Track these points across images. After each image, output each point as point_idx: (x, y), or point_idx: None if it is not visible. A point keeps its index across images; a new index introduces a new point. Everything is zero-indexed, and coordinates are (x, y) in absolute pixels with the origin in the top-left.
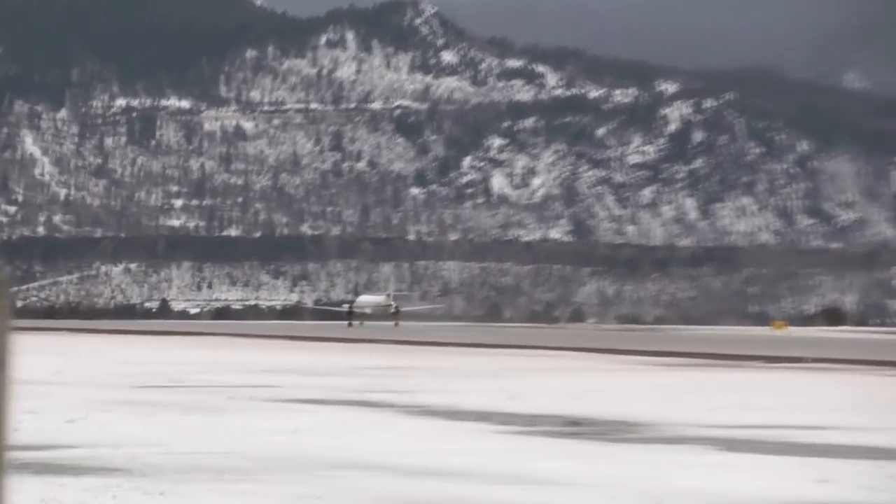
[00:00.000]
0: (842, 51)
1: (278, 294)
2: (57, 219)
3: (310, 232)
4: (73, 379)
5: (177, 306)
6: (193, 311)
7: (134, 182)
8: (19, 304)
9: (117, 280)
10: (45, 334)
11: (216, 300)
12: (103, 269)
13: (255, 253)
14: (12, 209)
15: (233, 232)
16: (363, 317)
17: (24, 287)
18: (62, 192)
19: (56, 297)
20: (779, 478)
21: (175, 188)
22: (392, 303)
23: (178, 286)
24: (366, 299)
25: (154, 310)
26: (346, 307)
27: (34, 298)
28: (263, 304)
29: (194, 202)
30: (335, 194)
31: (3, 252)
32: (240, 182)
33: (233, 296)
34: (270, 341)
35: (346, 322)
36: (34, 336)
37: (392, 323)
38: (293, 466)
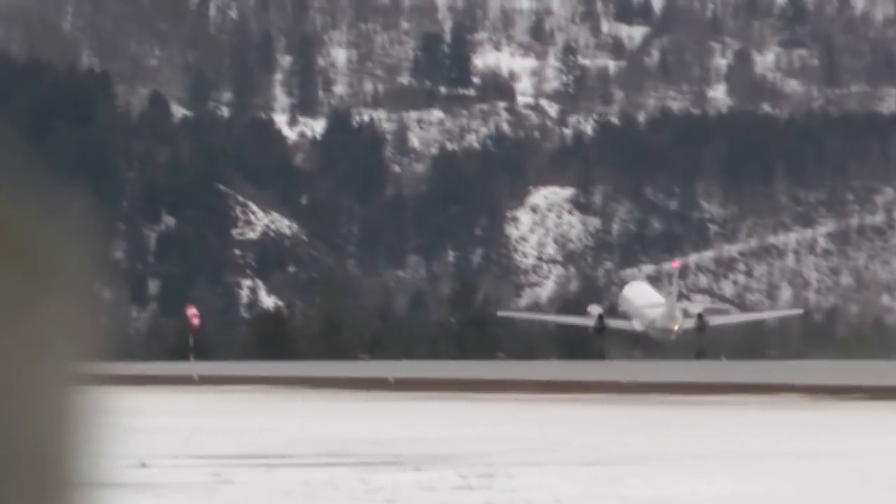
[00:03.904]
0: None
1: None
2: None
3: None
4: None
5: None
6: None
7: None
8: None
9: None
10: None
11: None
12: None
13: None
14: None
15: None
16: (633, 338)
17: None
18: None
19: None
20: None
21: None
22: (694, 309)
23: None
24: (638, 297)
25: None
26: (593, 313)
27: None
28: None
29: None
30: None
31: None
32: None
33: None
34: None
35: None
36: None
37: (695, 355)
38: None
